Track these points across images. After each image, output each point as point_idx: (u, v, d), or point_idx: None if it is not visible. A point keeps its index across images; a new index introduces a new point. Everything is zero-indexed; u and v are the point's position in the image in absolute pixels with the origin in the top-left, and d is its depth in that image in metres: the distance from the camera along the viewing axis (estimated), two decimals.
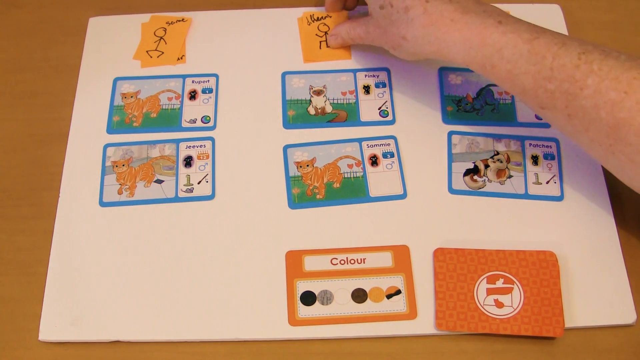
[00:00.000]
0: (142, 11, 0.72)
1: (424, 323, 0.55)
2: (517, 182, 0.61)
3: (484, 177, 0.61)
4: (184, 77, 0.67)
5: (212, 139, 0.64)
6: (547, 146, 0.62)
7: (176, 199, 0.61)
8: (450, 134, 0.63)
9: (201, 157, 0.63)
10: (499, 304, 0.55)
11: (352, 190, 0.61)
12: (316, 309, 0.55)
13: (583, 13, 0.72)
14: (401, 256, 0.57)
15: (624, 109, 0.49)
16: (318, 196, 0.60)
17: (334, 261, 0.57)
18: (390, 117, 0.65)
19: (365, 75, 0.67)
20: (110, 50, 0.69)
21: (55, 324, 0.55)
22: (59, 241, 0.59)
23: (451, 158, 0.62)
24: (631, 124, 0.49)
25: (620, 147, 0.51)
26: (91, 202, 0.60)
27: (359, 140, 0.63)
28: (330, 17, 0.70)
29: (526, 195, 0.60)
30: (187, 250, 0.58)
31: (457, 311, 0.54)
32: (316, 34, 0.70)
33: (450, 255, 0.57)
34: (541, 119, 0.64)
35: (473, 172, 0.61)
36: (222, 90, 0.67)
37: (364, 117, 0.65)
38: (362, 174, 0.62)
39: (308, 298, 0.56)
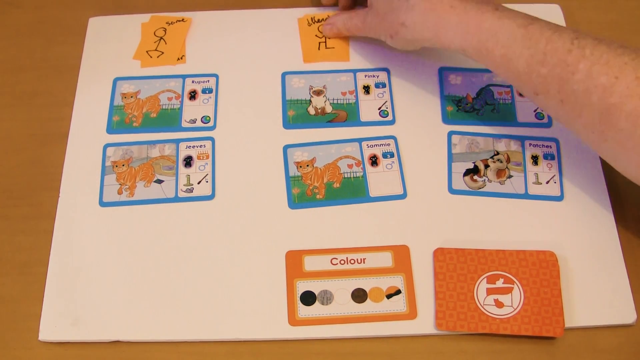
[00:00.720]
0: (142, 11, 0.72)
1: (424, 323, 0.55)
2: (517, 182, 0.61)
3: (484, 177, 0.61)
4: (183, 77, 0.67)
5: (212, 139, 0.64)
6: (547, 146, 0.62)
7: (176, 199, 0.60)
8: (450, 134, 0.63)
9: (201, 157, 0.63)
10: (499, 304, 0.55)
11: (352, 190, 0.61)
12: (316, 309, 0.55)
13: (583, 13, 0.72)
14: (401, 256, 0.57)
15: (615, 93, 0.49)
16: (318, 196, 0.60)
17: (334, 261, 0.57)
18: (390, 117, 0.65)
19: (365, 76, 0.67)
20: (110, 50, 0.69)
21: (55, 324, 0.55)
22: (59, 241, 0.59)
23: (451, 158, 0.62)
24: (622, 109, 0.49)
25: (611, 134, 0.51)
26: (91, 202, 0.60)
27: (359, 140, 0.63)
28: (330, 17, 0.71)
29: (526, 195, 0.60)
30: (187, 250, 0.58)
31: (457, 311, 0.54)
32: (316, 35, 0.70)
33: (450, 255, 0.57)
34: (541, 119, 0.64)
35: (473, 172, 0.61)
36: (222, 90, 0.66)
37: (363, 117, 0.65)
38: (362, 174, 0.61)
39: (308, 298, 0.56)
